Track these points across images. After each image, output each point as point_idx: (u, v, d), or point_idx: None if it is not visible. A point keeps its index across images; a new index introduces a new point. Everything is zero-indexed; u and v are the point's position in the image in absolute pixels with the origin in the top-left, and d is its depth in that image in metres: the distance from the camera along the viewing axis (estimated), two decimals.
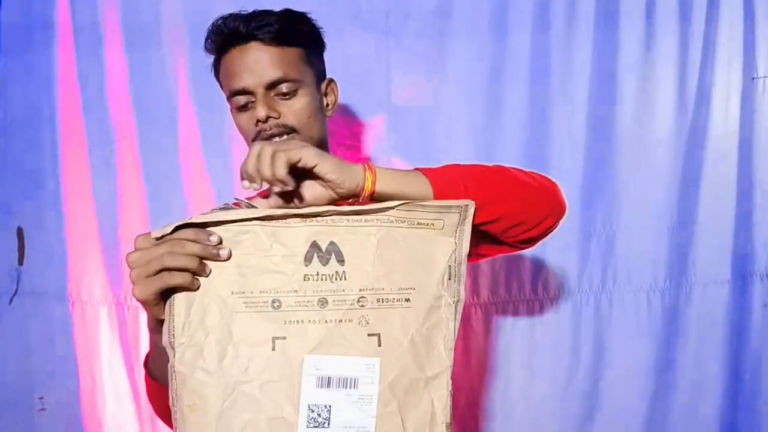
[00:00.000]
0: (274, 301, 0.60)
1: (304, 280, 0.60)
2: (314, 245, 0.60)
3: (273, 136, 0.75)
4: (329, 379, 0.60)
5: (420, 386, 0.62)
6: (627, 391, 1.23)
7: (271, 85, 0.76)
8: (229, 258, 0.59)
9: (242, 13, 0.77)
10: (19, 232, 1.24)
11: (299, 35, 0.79)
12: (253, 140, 0.77)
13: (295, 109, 0.77)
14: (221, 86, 0.81)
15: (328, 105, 0.84)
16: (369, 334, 0.61)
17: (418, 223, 0.62)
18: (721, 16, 1.18)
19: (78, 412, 1.23)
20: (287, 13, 0.78)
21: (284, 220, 0.60)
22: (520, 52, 1.19)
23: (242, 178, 0.60)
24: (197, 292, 0.59)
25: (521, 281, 1.24)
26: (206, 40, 0.80)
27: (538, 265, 1.23)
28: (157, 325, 0.61)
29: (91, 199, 1.21)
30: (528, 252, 1.22)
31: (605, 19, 1.19)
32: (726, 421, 1.23)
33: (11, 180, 1.23)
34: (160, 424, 1.19)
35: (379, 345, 0.61)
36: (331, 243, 0.61)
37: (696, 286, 1.23)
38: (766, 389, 1.22)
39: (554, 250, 1.22)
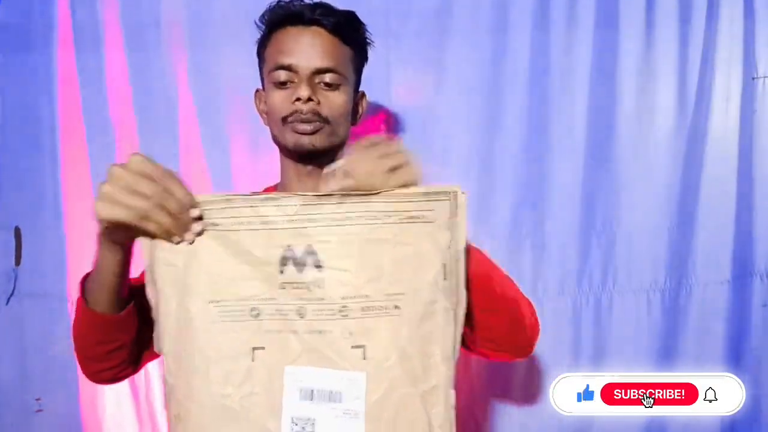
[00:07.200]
0: (252, 310, 0.56)
1: (281, 288, 0.56)
2: (288, 250, 0.56)
3: (305, 121, 0.74)
4: (312, 391, 0.56)
5: (414, 402, 0.56)
6: None
7: (319, 72, 0.75)
8: (191, 241, 0.56)
9: (306, 1, 0.78)
10: (17, 232, 1.23)
11: (355, 37, 0.81)
12: (284, 119, 0.76)
13: (334, 103, 0.77)
14: (262, 61, 0.81)
15: (355, 114, 0.85)
16: (353, 347, 0.56)
17: (409, 217, 0.56)
18: (721, 16, 1.18)
19: (77, 413, 1.22)
20: (351, 14, 0.81)
21: (253, 226, 0.56)
22: (520, 51, 1.19)
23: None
24: (178, 297, 0.56)
25: (521, 281, 1.22)
26: (264, 13, 0.79)
27: (538, 265, 1.22)
28: (107, 241, 0.60)
29: (91, 199, 1.20)
30: (527, 252, 1.21)
31: (605, 19, 1.19)
32: (726, 421, 1.23)
33: (10, 180, 1.23)
34: (160, 424, 1.19)
35: (364, 358, 0.56)
36: (308, 247, 0.56)
37: (696, 286, 1.22)
38: (767, 389, 1.22)
39: (554, 249, 1.22)
